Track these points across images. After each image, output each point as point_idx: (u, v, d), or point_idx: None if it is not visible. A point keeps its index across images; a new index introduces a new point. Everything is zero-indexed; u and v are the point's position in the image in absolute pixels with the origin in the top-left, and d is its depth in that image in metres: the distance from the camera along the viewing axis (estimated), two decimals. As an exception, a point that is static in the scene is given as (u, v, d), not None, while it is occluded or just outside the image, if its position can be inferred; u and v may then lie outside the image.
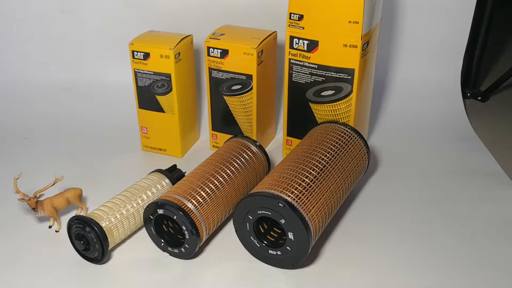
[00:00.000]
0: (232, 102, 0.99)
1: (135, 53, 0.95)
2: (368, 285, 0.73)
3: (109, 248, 0.76)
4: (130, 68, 1.08)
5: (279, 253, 0.75)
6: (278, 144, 1.08)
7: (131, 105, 1.14)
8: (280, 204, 0.71)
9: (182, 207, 0.74)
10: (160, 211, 0.76)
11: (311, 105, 0.95)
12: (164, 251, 0.79)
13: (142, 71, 0.97)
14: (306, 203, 0.73)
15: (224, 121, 1.03)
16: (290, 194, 0.72)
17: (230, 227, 0.85)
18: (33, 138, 1.11)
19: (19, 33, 1.23)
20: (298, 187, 0.74)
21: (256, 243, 0.77)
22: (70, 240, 0.78)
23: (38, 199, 0.80)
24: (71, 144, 1.08)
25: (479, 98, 1.29)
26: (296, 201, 0.72)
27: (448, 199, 0.91)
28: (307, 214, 0.72)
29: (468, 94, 1.28)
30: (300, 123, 0.98)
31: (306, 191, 0.74)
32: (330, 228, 0.85)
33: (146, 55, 0.95)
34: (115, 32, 1.21)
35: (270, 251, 0.76)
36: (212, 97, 1.01)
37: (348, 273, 0.75)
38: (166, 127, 1.01)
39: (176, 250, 0.78)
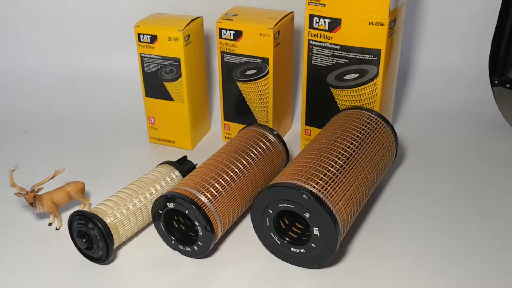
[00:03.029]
0: (246, 88, 0.92)
1: (141, 36, 0.88)
2: (400, 285, 0.66)
3: (114, 247, 0.69)
4: (136, 54, 1.02)
5: (302, 250, 0.67)
6: (295, 135, 1.01)
7: (137, 94, 1.06)
8: (304, 196, 0.63)
9: (195, 200, 0.67)
10: (171, 205, 0.68)
11: (332, 90, 0.87)
12: (175, 249, 0.72)
13: (149, 56, 0.89)
14: (333, 195, 0.65)
15: (237, 110, 0.95)
16: (315, 185, 0.65)
17: (247, 222, 0.78)
18: (33, 130, 1.04)
19: (17, 20, 1.17)
20: (323, 177, 0.66)
21: (276, 240, 0.69)
22: (72, 238, 0.71)
23: (36, 193, 0.73)
24: (73, 136, 1.01)
25: (507, 85, 1.21)
26: (322, 193, 0.64)
27: (480, 190, 0.84)
28: (335, 207, 0.64)
29: (496, 82, 1.21)
30: (320, 110, 0.90)
31: (332, 181, 0.66)
32: (357, 223, 0.77)
33: (153, 38, 0.88)
34: (118, 17, 1.14)
35: (292, 249, 0.68)
36: (224, 83, 0.93)
37: (378, 271, 0.68)
38: (175, 116, 0.94)
39: (188, 249, 0.70)
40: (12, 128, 1.04)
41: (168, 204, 0.68)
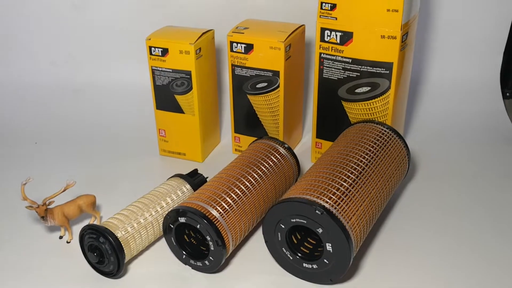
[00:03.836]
0: (257, 101, 0.92)
1: (153, 49, 0.88)
2: (416, 303, 0.65)
3: (126, 261, 0.69)
4: (147, 67, 1.02)
5: (315, 266, 0.67)
6: (305, 148, 1.00)
7: (148, 106, 1.06)
8: (317, 211, 0.62)
9: (207, 214, 0.67)
10: (182, 220, 0.68)
11: (344, 103, 0.87)
12: (186, 264, 0.72)
13: (160, 69, 0.90)
14: (346, 210, 0.64)
15: (247, 122, 0.95)
16: (328, 200, 0.64)
17: (258, 237, 0.77)
18: (43, 142, 1.04)
19: (28, 31, 1.17)
20: (336, 192, 0.66)
21: (288, 255, 0.68)
22: (83, 252, 0.70)
23: (48, 206, 0.73)
24: (83, 149, 1.01)
25: (519, 98, 1.20)
26: (335, 208, 0.64)
27: (494, 203, 0.83)
28: (348, 223, 0.63)
29: (508, 94, 1.20)
30: (331, 124, 0.90)
31: (345, 196, 0.66)
32: (369, 237, 0.76)
33: (165, 51, 0.88)
34: (129, 29, 1.15)
35: (304, 265, 0.67)
36: (235, 96, 0.93)
37: (392, 287, 0.67)
38: (185, 129, 0.94)
39: (199, 263, 0.70)
40: (22, 140, 1.05)
41: (179, 218, 0.68)
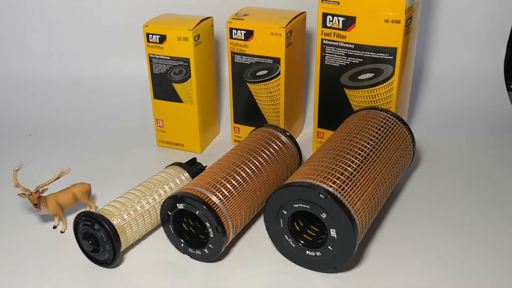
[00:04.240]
0: (257, 90, 0.90)
1: (150, 36, 0.86)
2: (424, 291, 0.63)
3: (121, 250, 0.66)
4: (143, 57, 1.00)
5: (318, 254, 0.64)
6: (307, 138, 0.98)
7: (145, 98, 1.04)
8: (321, 195, 0.60)
9: (206, 200, 0.64)
10: (180, 206, 0.65)
11: (346, 91, 0.85)
12: (184, 253, 0.69)
13: (158, 56, 0.87)
14: (351, 195, 0.62)
15: (247, 112, 0.93)
16: (332, 184, 0.62)
17: (259, 225, 0.75)
18: (39, 134, 1.02)
19: (24, 23, 1.15)
20: (340, 176, 0.63)
21: (291, 242, 0.66)
22: (77, 240, 0.68)
23: (41, 194, 0.70)
24: (79, 140, 0.99)
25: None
26: (340, 192, 0.61)
27: (500, 193, 0.81)
28: (353, 207, 0.61)
29: (511, 86, 1.18)
30: (333, 112, 0.88)
31: (350, 181, 0.63)
32: (374, 226, 0.74)
33: (162, 38, 0.86)
34: (126, 19, 1.12)
35: (307, 252, 0.65)
36: (235, 85, 0.91)
37: (398, 276, 0.65)
38: (184, 118, 0.91)
39: (198, 252, 0.67)
40: (18, 132, 1.02)
41: (177, 204, 0.66)
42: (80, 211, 0.67)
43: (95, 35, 1.15)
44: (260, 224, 0.75)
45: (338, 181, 0.63)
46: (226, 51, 1.11)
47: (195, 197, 0.64)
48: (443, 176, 0.85)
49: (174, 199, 0.66)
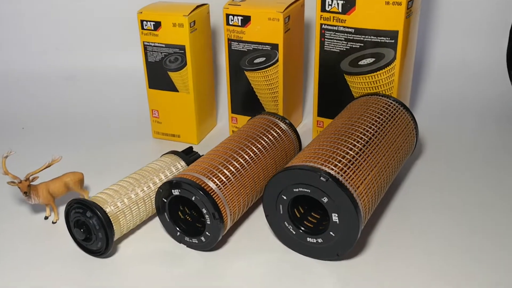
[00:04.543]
0: (255, 78, 0.87)
1: (144, 23, 0.84)
2: (424, 278, 0.60)
3: (115, 239, 0.64)
4: (137, 51, 0.98)
5: (320, 240, 0.61)
6: (306, 129, 0.95)
7: (139, 90, 1.02)
8: (322, 178, 0.58)
9: (203, 186, 0.62)
10: (176, 192, 0.63)
11: (347, 77, 0.82)
12: (180, 242, 0.66)
13: (153, 44, 0.85)
14: (353, 178, 0.60)
15: (245, 102, 0.90)
16: (333, 167, 0.59)
17: (258, 214, 0.72)
18: (32, 127, 0.99)
19: (18, 17, 1.13)
20: (342, 159, 0.61)
21: (291, 229, 0.63)
22: (69, 229, 0.65)
23: (31, 182, 0.68)
24: (73, 133, 0.96)
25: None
26: (341, 175, 0.59)
27: (503, 182, 0.78)
28: (355, 191, 0.59)
29: (513, 76, 1.16)
30: (333, 100, 0.85)
31: (352, 164, 0.61)
32: (377, 214, 0.72)
33: (157, 25, 0.83)
34: (118, 12, 1.10)
35: (308, 239, 0.62)
36: (232, 74, 0.89)
37: (401, 264, 0.62)
38: (180, 108, 0.89)
39: (195, 240, 0.65)
40: (11, 125, 1.00)
41: (173, 191, 0.63)
42: (71, 199, 0.64)
43: (89, 28, 1.13)
44: (259, 212, 0.72)
45: (339, 164, 0.60)
46: (222, 41, 1.09)
47: (191, 182, 0.61)
48: (445, 165, 0.83)
49: (169, 185, 0.63)
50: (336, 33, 0.80)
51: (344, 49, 0.80)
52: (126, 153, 0.89)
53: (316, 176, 0.58)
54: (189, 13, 0.82)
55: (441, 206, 0.73)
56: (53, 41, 1.14)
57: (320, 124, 0.89)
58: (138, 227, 0.70)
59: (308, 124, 0.97)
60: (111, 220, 0.62)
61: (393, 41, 0.77)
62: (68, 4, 1.11)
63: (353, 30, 0.79)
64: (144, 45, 0.86)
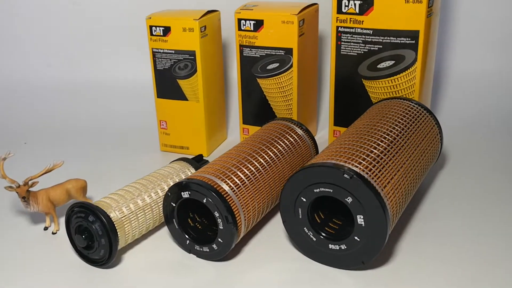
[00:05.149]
0: (268, 85, 0.83)
1: (154, 28, 0.81)
2: (466, 289, 0.54)
3: (119, 247, 0.58)
4: (144, 64, 0.96)
5: (343, 247, 0.56)
6: (322, 141, 0.91)
7: (147, 103, 0.99)
8: (346, 175, 0.53)
9: (215, 187, 0.57)
10: (185, 195, 0.58)
11: (365, 82, 0.78)
12: (190, 252, 0.61)
13: (162, 50, 0.82)
14: (380, 177, 0.55)
15: (257, 112, 0.86)
16: (358, 165, 0.55)
17: (273, 222, 0.67)
18: (37, 139, 0.95)
19: (23, 31, 1.11)
20: (366, 158, 0.56)
21: (311, 236, 0.58)
22: (69, 236, 0.60)
23: (31, 188, 0.63)
24: (78, 146, 0.92)
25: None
26: (367, 173, 0.54)
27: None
28: (382, 190, 0.54)
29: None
30: (351, 107, 0.81)
31: (377, 163, 0.56)
32: (402, 222, 0.66)
33: (166, 30, 0.80)
34: (126, 26, 1.08)
35: (330, 246, 0.57)
36: (243, 82, 0.85)
37: (430, 275, 0.56)
38: (189, 118, 0.85)
39: (205, 249, 0.59)
40: (18, 138, 0.96)
41: (182, 193, 0.58)
42: (72, 203, 0.59)
43: (96, 39, 1.10)
44: (275, 221, 0.67)
45: (364, 162, 0.55)
46: (233, 52, 1.06)
47: (202, 183, 0.57)
48: (470, 176, 0.77)
49: (178, 187, 0.58)
50: (353, 36, 0.76)
51: (362, 52, 0.77)
52: (132, 167, 0.84)
53: (340, 174, 0.53)
54: (200, 17, 0.79)
55: (470, 217, 0.67)
56: (58, 52, 1.11)
57: (336, 134, 0.84)
58: (143, 237, 0.65)
59: (323, 136, 0.93)
60: (116, 226, 0.57)
61: (413, 41, 0.73)
62: (73, 15, 1.09)
63: (371, 31, 0.75)
64: (152, 52, 0.83)
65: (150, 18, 0.81)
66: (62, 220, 0.68)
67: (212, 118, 0.87)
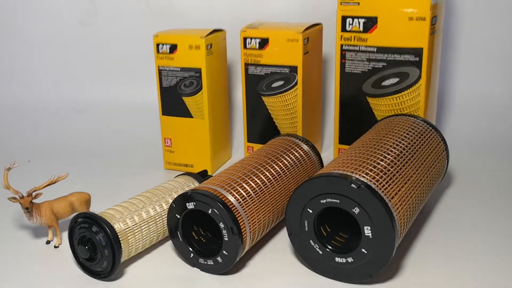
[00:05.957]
0: (273, 104, 0.84)
1: (160, 46, 0.82)
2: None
3: (122, 260, 0.57)
4: (151, 83, 0.96)
5: (350, 260, 0.55)
6: (327, 160, 0.90)
7: (152, 122, 0.99)
8: (353, 185, 0.52)
9: (221, 198, 0.56)
10: (190, 206, 0.57)
11: (370, 100, 0.79)
12: (194, 266, 0.60)
13: (168, 68, 0.82)
14: (387, 187, 0.54)
15: (262, 130, 0.86)
16: (365, 175, 0.54)
17: (279, 236, 0.66)
18: (41, 158, 0.95)
19: (31, 50, 1.12)
20: (373, 169, 0.56)
21: (317, 249, 0.57)
22: (72, 249, 0.59)
23: (34, 199, 0.63)
24: (82, 165, 0.92)
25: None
26: (374, 183, 0.53)
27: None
28: (390, 201, 0.53)
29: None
30: (356, 126, 0.81)
31: (384, 174, 0.56)
32: (409, 237, 0.65)
33: (173, 48, 0.81)
34: (131, 46, 1.10)
35: (337, 259, 0.56)
36: (248, 101, 0.85)
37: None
38: (194, 135, 0.85)
39: (210, 262, 0.58)
40: (23, 156, 0.96)
41: (187, 204, 0.58)
42: (75, 214, 0.59)
43: (103, 59, 1.12)
44: (281, 235, 0.66)
45: (371, 173, 0.55)
46: (238, 71, 1.07)
47: (208, 193, 0.56)
48: (476, 196, 0.76)
49: (183, 198, 0.58)
50: (358, 53, 0.77)
51: (366, 69, 0.77)
52: (136, 185, 0.83)
53: (347, 184, 0.53)
54: (206, 35, 0.80)
55: (477, 237, 0.66)
56: (65, 71, 1.12)
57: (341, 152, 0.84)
58: (147, 251, 0.64)
59: (328, 156, 0.92)
60: (119, 237, 0.57)
61: (417, 59, 0.74)
62: (81, 35, 1.11)
63: (375, 49, 0.76)
64: (159, 69, 0.83)
65: (157, 36, 0.82)
66: (65, 234, 0.67)
67: (217, 136, 0.87)
